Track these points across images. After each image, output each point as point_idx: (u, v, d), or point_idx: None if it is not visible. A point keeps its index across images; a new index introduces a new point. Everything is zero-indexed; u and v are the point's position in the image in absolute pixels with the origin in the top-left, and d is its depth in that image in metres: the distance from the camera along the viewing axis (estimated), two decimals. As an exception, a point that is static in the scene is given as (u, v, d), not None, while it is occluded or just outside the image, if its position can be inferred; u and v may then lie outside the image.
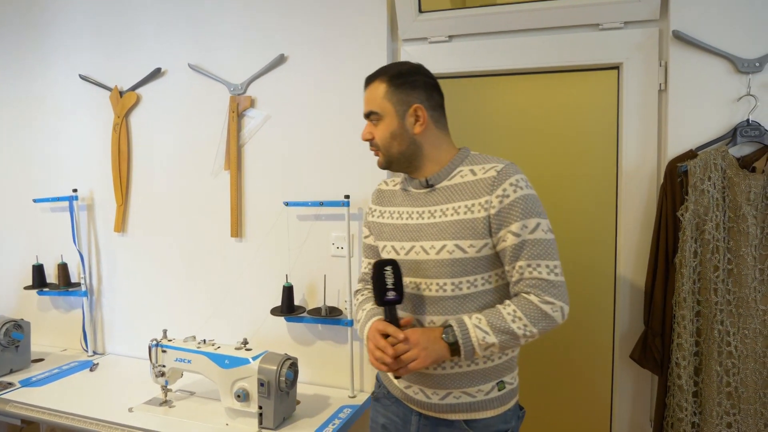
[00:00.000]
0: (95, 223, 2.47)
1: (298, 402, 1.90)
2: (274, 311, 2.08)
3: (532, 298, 1.25)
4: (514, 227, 1.26)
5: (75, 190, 2.43)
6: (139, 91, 2.35)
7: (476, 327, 1.25)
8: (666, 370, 1.65)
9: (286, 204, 2.09)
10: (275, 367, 1.71)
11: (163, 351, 1.88)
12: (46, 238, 2.55)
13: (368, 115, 1.38)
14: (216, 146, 2.22)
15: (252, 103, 2.16)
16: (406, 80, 1.35)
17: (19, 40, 2.53)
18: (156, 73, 2.30)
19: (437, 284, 1.32)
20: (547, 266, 1.25)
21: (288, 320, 2.12)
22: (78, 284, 2.48)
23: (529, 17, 1.83)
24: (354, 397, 2.01)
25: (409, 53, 1.97)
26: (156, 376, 1.89)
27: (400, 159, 1.37)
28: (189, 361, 1.84)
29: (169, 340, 1.90)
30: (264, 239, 2.17)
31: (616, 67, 1.82)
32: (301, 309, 2.08)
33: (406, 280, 1.36)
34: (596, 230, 1.89)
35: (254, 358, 1.75)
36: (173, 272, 2.34)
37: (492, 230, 1.28)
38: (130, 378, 2.19)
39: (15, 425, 2.12)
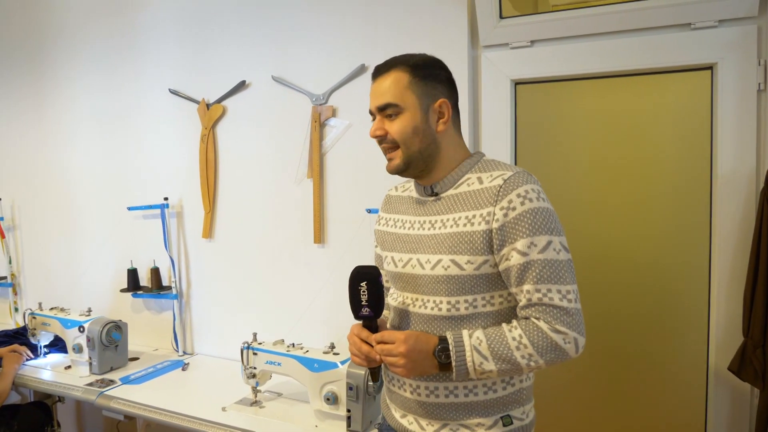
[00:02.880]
0: (184, 229, 2.60)
1: (383, 406, 1.93)
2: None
3: (542, 325, 1.11)
4: (520, 245, 1.11)
5: (166, 199, 2.57)
6: (225, 103, 2.45)
7: (475, 350, 1.12)
8: (769, 384, 1.58)
9: (368, 211, 2.13)
10: (363, 372, 1.75)
11: (254, 353, 1.95)
12: (140, 244, 2.70)
13: (383, 108, 1.22)
14: (299, 155, 2.29)
15: (333, 113, 2.21)
16: (431, 72, 1.22)
17: (116, 58, 2.70)
18: (241, 86, 2.40)
19: (433, 302, 1.21)
20: (559, 291, 1.11)
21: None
22: (169, 287, 2.61)
23: (615, 19, 1.79)
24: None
25: (490, 59, 1.97)
26: (247, 377, 1.97)
27: (419, 159, 1.23)
28: (279, 364, 1.91)
29: (260, 343, 1.98)
30: (347, 246, 2.22)
31: (709, 68, 1.75)
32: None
33: (401, 294, 1.29)
34: (688, 236, 1.82)
35: (342, 363, 1.80)
36: (259, 277, 2.44)
37: (494, 247, 1.15)
38: (219, 378, 2.29)
39: (115, 419, 2.26)
